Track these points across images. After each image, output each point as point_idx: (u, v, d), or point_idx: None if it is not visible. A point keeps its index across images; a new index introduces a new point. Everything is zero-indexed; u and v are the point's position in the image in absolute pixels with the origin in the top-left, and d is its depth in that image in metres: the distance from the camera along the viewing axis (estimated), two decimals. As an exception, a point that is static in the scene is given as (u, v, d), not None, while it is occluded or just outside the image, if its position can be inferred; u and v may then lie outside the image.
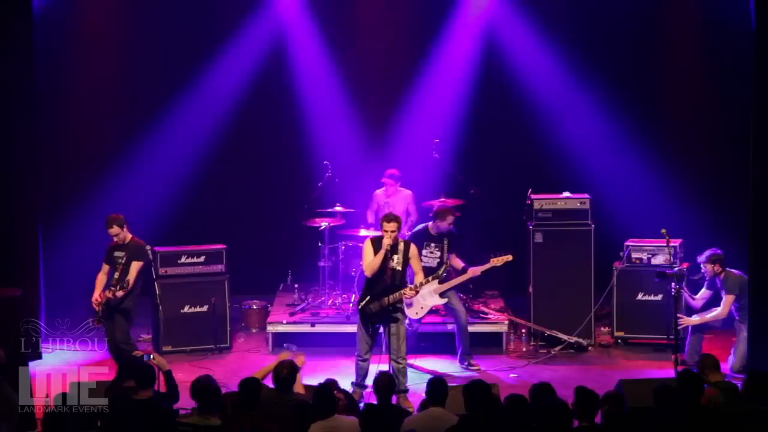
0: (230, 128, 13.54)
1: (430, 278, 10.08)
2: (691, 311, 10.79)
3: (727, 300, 10.39)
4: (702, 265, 10.51)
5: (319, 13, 13.51)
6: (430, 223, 10.87)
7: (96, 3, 13.31)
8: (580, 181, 12.40)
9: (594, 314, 11.45)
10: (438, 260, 10.75)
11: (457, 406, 7.37)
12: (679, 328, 10.24)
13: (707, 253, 10.48)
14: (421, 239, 10.77)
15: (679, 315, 10.19)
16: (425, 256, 10.71)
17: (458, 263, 10.83)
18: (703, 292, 10.69)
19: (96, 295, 10.35)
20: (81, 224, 13.07)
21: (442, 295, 10.61)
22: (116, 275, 10.35)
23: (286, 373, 7.76)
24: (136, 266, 10.42)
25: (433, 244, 10.80)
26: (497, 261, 10.69)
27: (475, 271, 10.75)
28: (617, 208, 12.76)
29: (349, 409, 7.75)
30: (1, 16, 11.14)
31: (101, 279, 10.52)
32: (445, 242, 10.80)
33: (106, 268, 10.56)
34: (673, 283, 10.11)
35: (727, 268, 10.50)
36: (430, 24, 13.51)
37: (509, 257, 10.71)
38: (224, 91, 13.43)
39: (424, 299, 10.54)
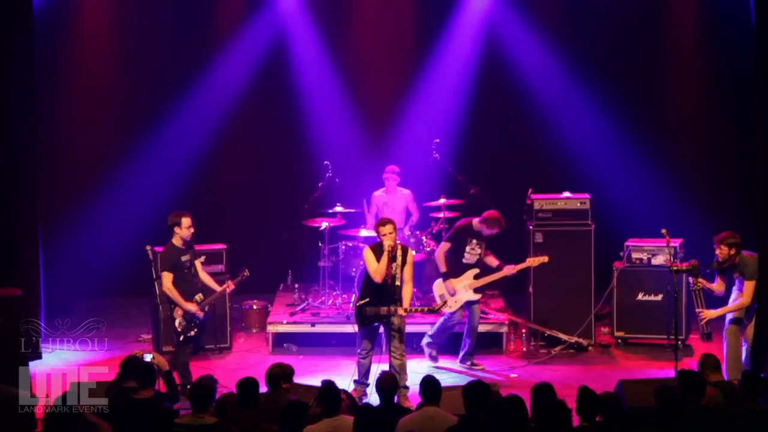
0: (230, 128, 13.56)
1: (418, 308, 10.14)
2: (714, 302, 10.16)
3: (748, 287, 9.64)
4: (717, 246, 9.82)
5: (319, 14, 13.53)
6: (475, 220, 10.75)
7: (95, 4, 13.32)
8: (580, 181, 12.39)
9: (594, 314, 11.45)
10: (478, 257, 10.73)
11: (457, 405, 7.37)
12: (702, 323, 9.76)
13: (725, 234, 9.80)
14: (465, 234, 10.71)
15: (699, 310, 9.76)
16: (468, 253, 10.71)
17: (493, 261, 10.83)
18: (718, 279, 10.03)
19: (197, 306, 9.78)
20: (81, 224, 13.09)
21: (476, 290, 10.65)
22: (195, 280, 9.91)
23: (277, 370, 7.82)
24: (199, 264, 10.13)
25: (475, 241, 10.72)
26: (533, 261, 10.78)
27: (510, 269, 10.73)
28: (617, 208, 12.76)
29: (351, 409, 7.75)
30: (1, 16, 11.15)
31: (172, 287, 9.71)
32: (485, 240, 10.75)
33: (171, 276, 9.69)
34: (690, 279, 9.77)
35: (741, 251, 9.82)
36: (431, 24, 13.54)
37: (545, 258, 10.78)
38: (224, 91, 13.44)
39: (458, 293, 10.59)
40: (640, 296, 11.48)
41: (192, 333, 9.82)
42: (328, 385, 7.38)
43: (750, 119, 12.67)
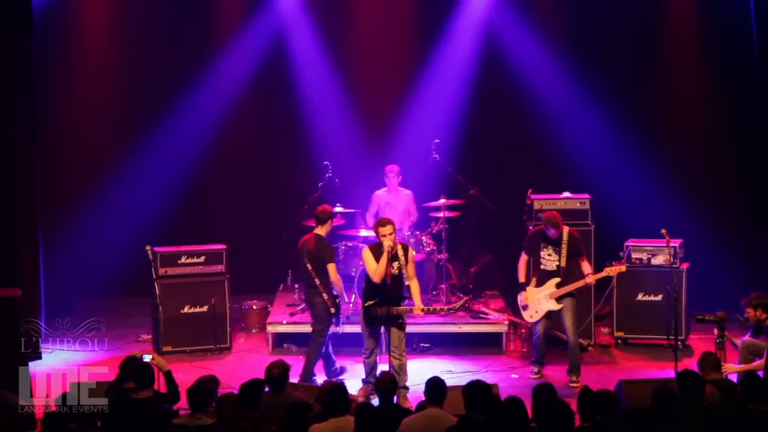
0: (230, 128, 13.56)
1: (436, 309, 10.03)
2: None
3: None
4: (745, 309, 9.45)
5: (318, 14, 13.53)
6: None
7: (95, 3, 13.31)
8: (580, 181, 12.39)
9: (594, 314, 11.45)
10: (557, 263, 10.39)
11: (457, 406, 7.37)
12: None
13: (751, 295, 9.41)
14: (538, 240, 10.48)
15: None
16: (544, 259, 10.44)
17: (587, 267, 10.40)
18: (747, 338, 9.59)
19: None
20: (81, 224, 13.08)
21: (558, 300, 10.37)
22: None
23: (277, 372, 7.79)
24: None
25: (551, 247, 10.42)
26: (611, 270, 10.53)
27: (589, 278, 10.35)
28: (617, 208, 12.75)
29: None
30: (1, 15, 11.15)
31: (339, 277, 10.16)
32: (564, 246, 10.37)
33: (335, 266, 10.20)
34: (716, 330, 9.18)
35: None
36: (431, 24, 13.53)
37: (623, 268, 10.61)
38: (224, 91, 13.43)
39: (539, 303, 10.40)
40: (640, 296, 11.48)
41: None
42: (336, 385, 7.38)
43: (750, 120, 12.76)
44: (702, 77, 13.27)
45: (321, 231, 10.18)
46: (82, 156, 13.40)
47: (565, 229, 10.42)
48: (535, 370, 10.58)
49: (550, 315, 10.43)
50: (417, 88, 13.54)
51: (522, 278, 10.53)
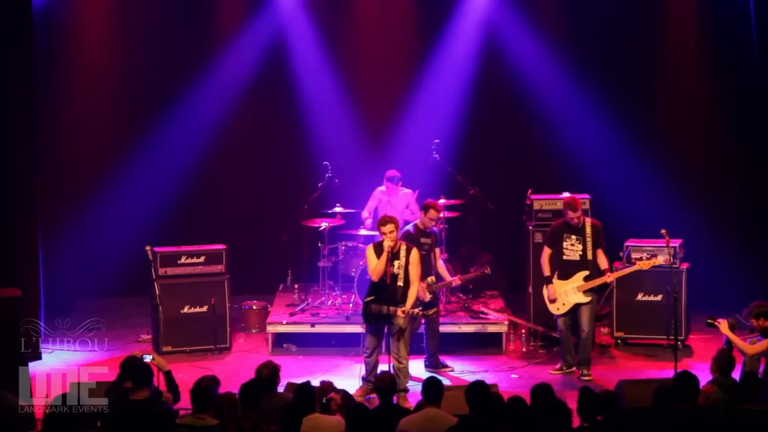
0: (230, 128, 13.56)
1: (418, 310, 9.62)
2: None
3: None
4: (749, 319, 9.36)
5: (318, 14, 13.53)
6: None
7: (95, 3, 13.31)
8: (580, 181, 12.38)
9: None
10: (580, 254, 10.41)
11: (456, 406, 7.37)
12: None
13: (752, 305, 9.22)
14: (561, 232, 10.49)
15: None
16: (567, 249, 10.44)
17: (603, 262, 10.46)
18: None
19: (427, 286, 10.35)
20: (81, 224, 13.08)
21: (586, 293, 10.37)
22: None
23: (267, 372, 7.80)
24: (438, 252, 10.95)
25: (574, 237, 10.43)
26: (644, 264, 10.53)
27: (608, 276, 10.41)
28: (617, 208, 12.75)
29: (343, 409, 7.74)
30: (1, 15, 11.15)
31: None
32: (588, 238, 10.42)
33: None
34: (725, 337, 9.10)
35: None
36: (431, 24, 13.53)
37: (657, 261, 10.65)
38: (224, 91, 13.43)
39: (566, 296, 10.40)
40: (639, 296, 11.47)
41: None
42: (302, 385, 7.38)
43: (750, 120, 12.77)
44: (702, 77, 13.27)
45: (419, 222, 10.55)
46: (82, 156, 13.39)
47: (587, 221, 10.49)
48: (558, 366, 10.62)
49: (575, 309, 10.40)
50: (417, 88, 13.54)
51: (547, 272, 10.52)
